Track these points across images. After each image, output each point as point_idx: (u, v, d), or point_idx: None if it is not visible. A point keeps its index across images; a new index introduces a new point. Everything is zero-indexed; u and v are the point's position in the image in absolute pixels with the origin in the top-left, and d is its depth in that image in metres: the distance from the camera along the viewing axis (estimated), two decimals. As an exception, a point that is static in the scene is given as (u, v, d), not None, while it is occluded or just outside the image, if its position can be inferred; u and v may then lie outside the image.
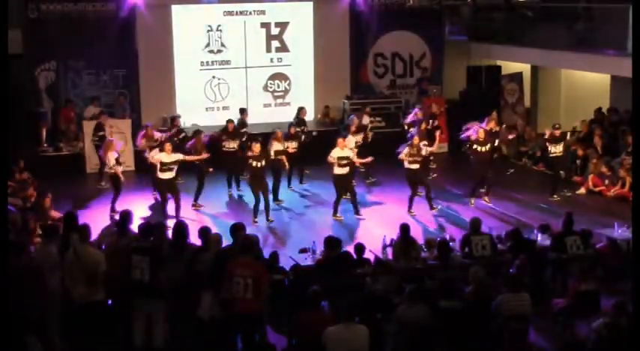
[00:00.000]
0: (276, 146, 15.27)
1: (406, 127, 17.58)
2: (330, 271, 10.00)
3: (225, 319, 8.57)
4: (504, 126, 18.23)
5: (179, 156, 14.43)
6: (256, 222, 14.28)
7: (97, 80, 19.48)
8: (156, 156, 14.38)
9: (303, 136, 16.72)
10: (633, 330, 7.44)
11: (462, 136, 16.28)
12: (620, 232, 11.82)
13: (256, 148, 14.34)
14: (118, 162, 14.78)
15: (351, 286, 9.79)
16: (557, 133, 15.97)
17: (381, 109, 20.32)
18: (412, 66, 21.80)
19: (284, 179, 16.20)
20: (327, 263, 10.18)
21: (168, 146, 14.41)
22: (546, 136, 16.03)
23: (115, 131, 17.58)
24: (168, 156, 14.23)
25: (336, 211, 14.71)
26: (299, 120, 17.59)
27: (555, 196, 15.92)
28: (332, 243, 10.32)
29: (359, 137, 16.59)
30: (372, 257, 10.99)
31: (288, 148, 15.88)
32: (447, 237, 11.57)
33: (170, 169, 14.26)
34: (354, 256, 10.52)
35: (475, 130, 15.65)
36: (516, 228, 11.55)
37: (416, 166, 14.81)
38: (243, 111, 17.77)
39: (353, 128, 16.67)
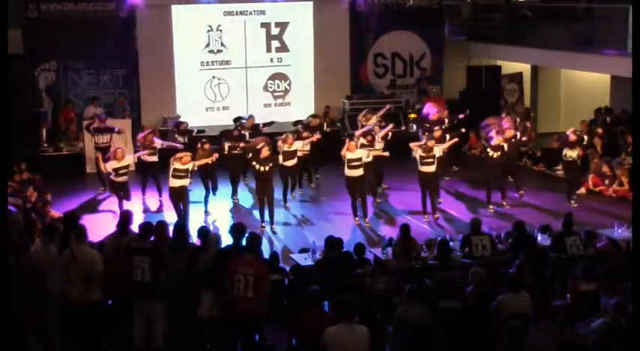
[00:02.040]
0: (284, 148, 14.93)
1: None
2: (330, 271, 10.01)
3: (225, 319, 8.57)
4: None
5: (191, 164, 13.77)
6: (264, 227, 13.85)
7: (97, 80, 19.48)
8: (172, 165, 13.65)
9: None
10: (633, 330, 7.43)
11: (484, 131, 15.75)
12: (620, 232, 11.80)
13: (265, 152, 13.90)
14: (116, 172, 14.23)
15: (351, 286, 9.80)
16: (573, 137, 15.49)
17: (381, 109, 20.28)
18: (412, 66, 21.79)
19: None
20: (327, 263, 10.19)
21: (185, 158, 13.63)
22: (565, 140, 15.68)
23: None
24: (182, 165, 13.56)
25: (354, 214, 14.21)
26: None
27: (572, 201, 15.37)
28: (332, 243, 10.35)
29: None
30: (371, 257, 10.99)
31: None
32: (447, 237, 11.57)
33: (181, 177, 13.62)
34: (354, 256, 10.52)
35: (495, 133, 15.29)
36: (521, 221, 11.46)
37: (429, 168, 14.22)
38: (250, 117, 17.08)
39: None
